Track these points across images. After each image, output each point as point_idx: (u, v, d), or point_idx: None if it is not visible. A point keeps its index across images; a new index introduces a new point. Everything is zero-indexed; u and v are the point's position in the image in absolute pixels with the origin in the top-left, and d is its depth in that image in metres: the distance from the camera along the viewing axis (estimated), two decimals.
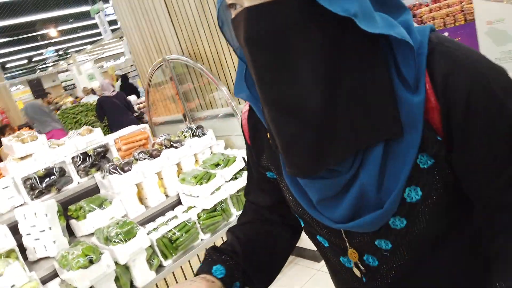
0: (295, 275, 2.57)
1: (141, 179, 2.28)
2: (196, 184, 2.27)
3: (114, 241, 1.93)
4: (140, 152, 2.37)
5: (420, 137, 0.55)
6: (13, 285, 1.72)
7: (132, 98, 6.94)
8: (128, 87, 7.24)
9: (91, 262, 1.82)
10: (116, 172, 2.21)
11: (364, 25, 0.50)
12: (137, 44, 3.25)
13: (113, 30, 5.25)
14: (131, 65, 8.62)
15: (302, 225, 0.78)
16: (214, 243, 2.31)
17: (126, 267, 1.99)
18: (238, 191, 2.44)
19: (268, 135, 0.70)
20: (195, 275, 0.74)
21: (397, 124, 0.55)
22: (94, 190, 2.38)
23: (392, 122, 0.55)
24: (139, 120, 5.54)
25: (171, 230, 2.17)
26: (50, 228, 2.00)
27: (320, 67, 0.53)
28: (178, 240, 2.17)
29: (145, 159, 2.32)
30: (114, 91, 5.40)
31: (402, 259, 0.66)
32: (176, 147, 2.44)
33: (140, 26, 3.07)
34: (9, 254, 1.86)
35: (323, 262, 1.93)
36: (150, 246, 2.06)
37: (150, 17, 2.92)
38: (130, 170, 2.25)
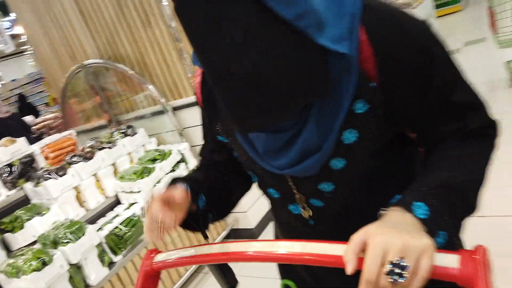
0: None
1: (78, 182, 2.27)
2: (138, 179, 2.33)
3: (63, 242, 1.91)
4: (72, 156, 2.35)
5: (354, 86, 0.61)
6: None
7: (28, 118, 6.47)
8: (26, 107, 6.72)
9: (44, 264, 1.79)
10: (52, 177, 2.17)
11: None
12: (47, 54, 3.14)
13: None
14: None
15: (255, 180, 0.87)
16: None
17: (78, 267, 1.97)
18: None
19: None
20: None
21: (326, 86, 0.60)
22: (24, 202, 2.28)
23: (322, 85, 0.60)
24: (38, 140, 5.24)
25: (117, 226, 2.20)
26: None
27: (253, 31, 0.55)
28: (126, 235, 2.21)
29: (79, 162, 2.31)
30: (8, 112, 5.01)
31: (344, 200, 0.73)
32: (110, 148, 2.46)
33: (50, 34, 2.99)
34: None
35: None
36: (99, 244, 2.07)
37: (61, 23, 2.87)
38: (65, 174, 2.22)
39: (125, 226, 2.22)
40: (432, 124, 0.68)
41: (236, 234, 2.87)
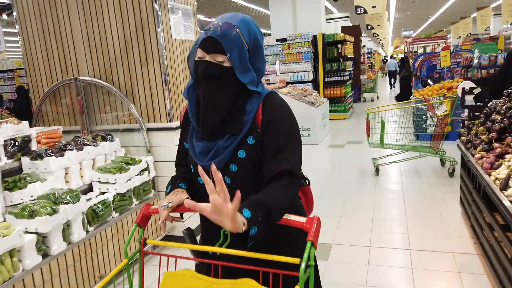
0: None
1: (69, 164, 2.85)
2: (116, 172, 3.00)
3: (64, 202, 2.49)
4: (67, 144, 2.94)
5: (248, 129, 1.23)
6: None
7: None
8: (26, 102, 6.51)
9: (54, 211, 2.35)
10: (53, 155, 2.74)
11: (250, 87, 1.23)
12: (39, 61, 3.70)
13: None
14: None
15: (192, 171, 1.35)
16: (121, 220, 3.02)
17: (68, 224, 2.53)
18: (140, 185, 3.24)
19: (192, 121, 1.30)
20: (168, 193, 1.32)
21: (240, 128, 1.23)
22: (16, 171, 2.76)
23: (239, 127, 1.23)
24: None
25: (96, 204, 2.81)
26: None
27: (229, 97, 1.22)
28: (100, 212, 2.82)
29: (73, 150, 2.91)
30: None
31: (234, 186, 1.25)
32: (94, 146, 3.10)
33: (47, 44, 3.61)
34: None
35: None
36: (83, 212, 2.66)
37: (63, 38, 3.52)
38: (63, 156, 2.81)
39: (101, 206, 2.84)
40: (269, 162, 1.22)
41: (170, 239, 3.55)
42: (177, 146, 1.48)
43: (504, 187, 2.29)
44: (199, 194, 1.36)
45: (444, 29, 29.23)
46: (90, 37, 3.46)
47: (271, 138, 1.23)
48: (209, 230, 1.37)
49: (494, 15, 17.97)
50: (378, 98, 14.90)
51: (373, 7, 8.19)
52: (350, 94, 11.27)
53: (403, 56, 14.51)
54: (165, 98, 3.37)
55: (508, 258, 2.25)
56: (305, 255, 1.02)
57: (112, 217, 2.98)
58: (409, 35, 31.98)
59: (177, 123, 3.44)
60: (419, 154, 5.39)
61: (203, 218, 1.38)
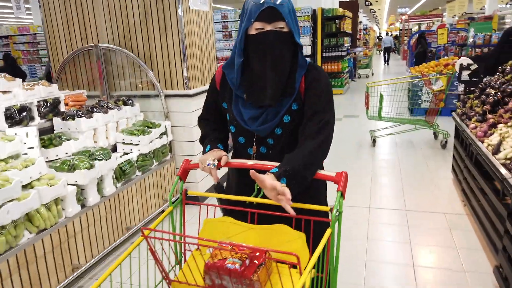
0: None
1: (97, 125, 3.07)
2: (140, 134, 3.23)
3: (98, 159, 2.72)
4: (93, 107, 3.14)
5: (294, 97, 1.35)
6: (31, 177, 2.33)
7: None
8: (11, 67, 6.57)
9: (91, 166, 2.59)
10: (84, 116, 2.95)
11: (300, 52, 1.35)
12: (59, 28, 3.83)
13: None
14: None
15: (233, 131, 1.46)
16: (144, 179, 3.27)
17: (101, 179, 2.78)
18: (160, 147, 3.48)
19: (232, 87, 1.40)
20: (207, 151, 1.43)
21: (293, 92, 1.35)
22: (48, 131, 2.96)
23: (293, 92, 1.35)
24: None
25: (123, 162, 3.04)
26: (37, 146, 2.59)
27: (288, 61, 1.33)
28: (127, 170, 3.06)
29: (100, 112, 3.12)
30: None
31: (278, 147, 1.40)
32: (117, 109, 3.31)
33: (67, 11, 3.74)
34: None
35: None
36: (113, 169, 2.90)
37: (83, 6, 3.66)
38: (91, 117, 3.02)
39: (127, 164, 3.07)
40: (307, 123, 1.34)
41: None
42: (205, 101, 1.59)
43: (496, 151, 2.58)
44: (237, 152, 1.51)
45: (440, 7, 29.21)
46: (110, 4, 3.60)
47: (309, 104, 1.35)
48: (241, 184, 1.50)
49: None
50: (372, 74, 15.12)
51: None
52: (347, 69, 11.47)
53: (421, 31, 14.60)
54: (182, 66, 3.56)
55: (497, 214, 2.56)
56: (336, 203, 1.16)
57: (136, 175, 3.22)
58: (404, 12, 31.90)
59: (194, 90, 3.64)
60: (414, 127, 5.69)
61: (235, 173, 1.52)
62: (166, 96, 3.64)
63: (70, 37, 3.82)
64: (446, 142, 5.30)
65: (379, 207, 3.62)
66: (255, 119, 1.37)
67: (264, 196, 1.25)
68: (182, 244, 1.40)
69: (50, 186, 2.32)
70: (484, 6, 17.76)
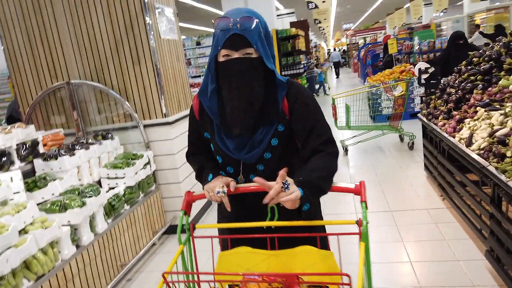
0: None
1: (80, 162, 2.99)
2: (125, 167, 3.18)
3: (88, 196, 2.65)
4: (74, 144, 3.07)
5: (278, 117, 1.30)
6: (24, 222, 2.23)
7: None
8: None
9: (83, 204, 2.52)
10: (67, 154, 2.87)
11: (276, 75, 1.29)
12: (25, 67, 3.73)
13: None
14: None
15: (220, 161, 1.41)
16: (133, 212, 3.20)
17: (93, 216, 2.70)
18: (144, 178, 3.43)
19: (210, 115, 1.34)
20: (210, 179, 1.36)
21: (276, 117, 1.30)
22: (29, 173, 2.86)
23: (275, 116, 1.30)
24: None
25: (111, 197, 2.98)
26: (22, 190, 2.50)
27: (260, 87, 1.26)
28: (116, 204, 2.99)
29: (81, 149, 3.05)
30: None
31: (269, 171, 1.32)
32: (99, 144, 3.25)
33: (34, 50, 3.65)
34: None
35: None
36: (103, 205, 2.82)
37: (50, 42, 3.60)
38: (74, 155, 2.94)
39: (116, 198, 3.01)
40: (306, 142, 1.32)
41: (174, 229, 3.76)
42: (188, 136, 1.52)
43: (469, 143, 2.79)
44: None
45: (380, 21, 31.04)
46: (79, 38, 3.57)
47: (301, 120, 1.31)
48: (241, 209, 1.39)
49: (424, 5, 19.45)
50: (329, 88, 15.68)
51: (323, 1, 8.74)
52: (306, 85, 11.84)
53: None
54: (159, 95, 3.57)
55: (477, 201, 2.75)
56: (363, 214, 1.15)
57: (124, 209, 3.15)
58: (349, 27, 33.60)
59: (173, 117, 3.65)
60: (381, 132, 5.96)
61: (239, 200, 1.36)
62: (145, 126, 3.62)
63: (38, 76, 3.73)
64: (413, 143, 5.59)
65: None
66: (241, 148, 1.33)
67: (280, 218, 1.25)
68: (203, 283, 1.24)
69: (45, 228, 2.23)
70: (421, 16, 19.12)
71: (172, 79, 3.79)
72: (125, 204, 3.16)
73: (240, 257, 1.23)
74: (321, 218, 1.44)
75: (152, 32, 3.45)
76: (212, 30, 1.32)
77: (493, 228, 2.47)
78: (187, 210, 1.36)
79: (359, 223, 1.16)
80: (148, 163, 3.53)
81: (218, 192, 1.28)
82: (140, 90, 3.59)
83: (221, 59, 1.26)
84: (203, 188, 1.40)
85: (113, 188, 3.18)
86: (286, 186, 1.11)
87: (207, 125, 1.41)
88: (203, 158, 1.49)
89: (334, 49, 28.90)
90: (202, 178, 1.44)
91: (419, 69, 4.04)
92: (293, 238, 1.24)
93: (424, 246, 2.98)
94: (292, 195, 1.10)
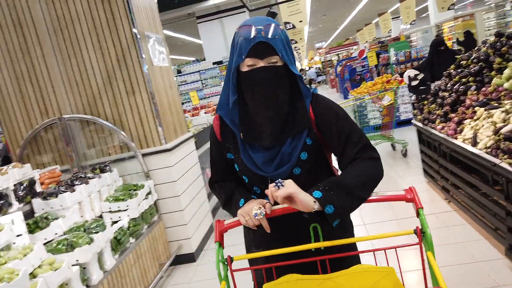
0: (182, 275, 3.53)
1: (81, 198, 2.86)
2: (127, 198, 3.05)
3: (95, 232, 2.52)
4: (73, 179, 2.94)
5: (307, 130, 1.25)
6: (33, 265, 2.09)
7: None
8: None
9: (91, 240, 2.38)
10: (68, 191, 2.74)
11: (300, 81, 1.25)
12: (14, 107, 3.61)
13: None
14: None
15: (246, 181, 1.33)
16: (138, 245, 3.06)
17: (101, 254, 2.56)
18: (147, 209, 3.31)
19: (237, 133, 1.29)
20: (241, 205, 1.24)
21: (307, 122, 1.24)
22: (28, 214, 2.71)
23: (306, 122, 1.24)
24: None
25: (117, 230, 2.84)
26: (25, 232, 2.35)
27: (285, 95, 1.22)
28: (121, 238, 2.86)
29: (81, 184, 2.92)
30: None
31: (300, 187, 1.13)
32: (98, 178, 3.13)
33: (22, 88, 3.52)
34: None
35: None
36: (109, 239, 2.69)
37: (39, 80, 3.51)
38: (75, 190, 2.82)
39: (121, 232, 2.87)
40: (343, 152, 1.24)
41: (179, 259, 3.63)
42: (211, 162, 1.45)
43: (474, 143, 2.81)
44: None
45: (351, 37, 31.97)
46: (69, 75, 3.48)
47: (333, 132, 1.25)
48: (283, 233, 1.31)
49: (392, 18, 20.16)
50: None
51: (300, 21, 8.91)
52: None
53: (378, 52, 15.64)
54: (156, 122, 3.49)
55: (492, 200, 2.75)
56: (423, 222, 1.09)
57: (130, 243, 3.01)
58: (321, 46, 34.45)
59: (171, 144, 3.57)
60: (374, 142, 6.00)
61: (272, 224, 1.22)
62: (143, 155, 3.52)
63: (28, 114, 3.60)
64: (406, 150, 5.64)
65: (375, 221, 3.71)
66: (269, 162, 1.26)
67: (324, 239, 1.19)
68: None
69: (55, 270, 2.09)
70: (390, 30, 19.80)
71: (167, 106, 3.73)
72: (130, 238, 3.02)
73: (290, 286, 1.10)
74: (353, 235, 1.41)
75: (145, 61, 3.40)
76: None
77: (511, 224, 2.46)
78: (221, 241, 1.23)
79: (417, 232, 1.08)
80: (150, 192, 3.41)
81: (256, 215, 1.16)
82: (136, 119, 3.50)
83: (244, 68, 1.21)
84: (233, 215, 1.29)
85: (116, 222, 3.04)
86: (279, 184, 1.08)
87: (231, 145, 1.34)
88: (231, 185, 1.39)
89: (309, 68, 29.45)
90: (231, 205, 1.33)
91: (409, 77, 4.10)
92: (338, 260, 1.18)
93: (441, 251, 2.94)
94: (281, 190, 1.06)
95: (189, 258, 3.67)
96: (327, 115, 1.26)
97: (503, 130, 2.57)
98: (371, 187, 1.20)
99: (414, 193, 1.14)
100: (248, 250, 1.46)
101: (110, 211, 3.07)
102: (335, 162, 1.40)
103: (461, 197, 3.33)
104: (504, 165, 2.34)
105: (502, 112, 2.75)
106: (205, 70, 10.48)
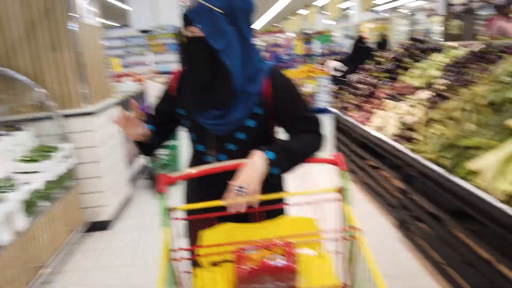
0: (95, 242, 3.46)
1: None
2: (43, 160, 2.89)
3: (5, 191, 2.37)
4: None
5: (256, 100, 1.29)
6: None
7: None
8: None
9: (1, 199, 2.24)
10: None
11: (224, 57, 1.24)
12: None
13: None
14: None
15: (194, 139, 1.40)
16: (53, 208, 2.93)
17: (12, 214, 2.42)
18: (64, 173, 3.16)
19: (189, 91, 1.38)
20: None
21: (230, 97, 1.29)
22: None
23: (230, 96, 1.29)
24: None
25: (31, 192, 2.69)
26: None
27: (201, 67, 1.27)
28: (35, 200, 2.72)
29: None
30: None
31: (240, 156, 1.24)
32: (11, 136, 2.90)
33: None
34: None
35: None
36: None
37: None
38: None
39: (35, 194, 2.73)
40: (291, 124, 1.36)
41: (94, 226, 3.54)
42: (155, 108, 1.52)
43: (381, 131, 3.17)
44: (196, 161, 1.42)
45: (277, 24, 32.55)
46: None
47: (289, 107, 1.34)
48: (205, 187, 1.40)
49: (319, 13, 21.02)
50: None
51: None
52: None
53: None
54: (80, 83, 3.32)
55: (384, 184, 3.14)
56: (347, 182, 1.25)
57: (45, 206, 2.88)
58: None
59: (94, 107, 3.43)
60: None
61: (209, 178, 1.32)
62: (65, 116, 3.33)
63: None
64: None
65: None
66: (217, 120, 1.33)
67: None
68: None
69: None
70: (316, 23, 20.67)
71: (94, 67, 3.54)
72: (45, 201, 2.88)
73: (227, 233, 1.20)
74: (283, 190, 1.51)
75: (75, 15, 3.19)
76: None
77: (406, 203, 2.86)
78: (164, 192, 1.23)
79: (341, 190, 1.25)
80: (68, 156, 3.26)
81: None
82: (61, 77, 3.27)
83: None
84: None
85: (28, 183, 2.87)
86: (240, 190, 1.14)
87: (184, 102, 1.40)
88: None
89: None
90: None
91: (335, 68, 4.43)
92: (270, 213, 1.27)
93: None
94: (243, 198, 1.13)
95: (104, 226, 3.60)
96: (285, 90, 1.34)
97: (406, 121, 2.95)
98: (310, 157, 1.33)
99: (341, 158, 1.29)
100: (188, 201, 1.52)
101: (25, 172, 2.88)
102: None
103: (366, 179, 3.74)
104: (404, 149, 2.71)
105: (408, 105, 3.15)
106: (131, 37, 9.96)
